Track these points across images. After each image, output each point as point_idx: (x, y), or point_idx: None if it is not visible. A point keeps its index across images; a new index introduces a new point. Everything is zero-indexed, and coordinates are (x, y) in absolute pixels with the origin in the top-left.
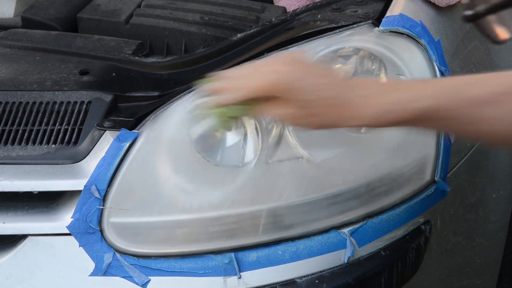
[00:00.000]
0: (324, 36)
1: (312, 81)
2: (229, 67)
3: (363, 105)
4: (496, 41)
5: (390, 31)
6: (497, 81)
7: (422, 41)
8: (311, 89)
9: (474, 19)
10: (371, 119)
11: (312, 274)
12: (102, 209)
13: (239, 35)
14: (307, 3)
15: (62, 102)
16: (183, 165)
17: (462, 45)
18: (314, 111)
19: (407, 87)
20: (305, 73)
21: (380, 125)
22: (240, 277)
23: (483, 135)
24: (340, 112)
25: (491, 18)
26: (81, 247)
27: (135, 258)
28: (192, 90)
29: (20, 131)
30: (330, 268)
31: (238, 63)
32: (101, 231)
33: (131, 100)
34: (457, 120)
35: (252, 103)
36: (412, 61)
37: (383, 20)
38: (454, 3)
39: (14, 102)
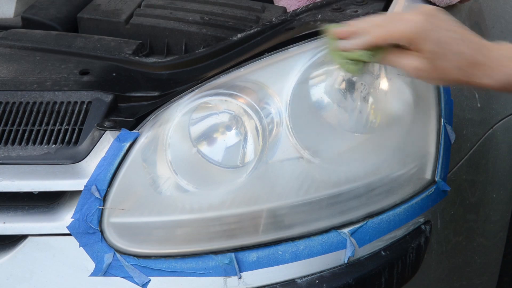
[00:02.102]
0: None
1: (445, 34)
2: (229, 67)
3: (496, 66)
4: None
5: None
6: None
7: None
8: (443, 42)
9: None
10: (502, 82)
11: (312, 274)
12: (102, 209)
13: (239, 35)
14: (307, 3)
15: (62, 102)
16: (183, 165)
17: None
18: (442, 65)
19: None
20: (438, 26)
21: (505, 87)
22: (240, 277)
23: None
24: (470, 70)
25: None
26: (81, 247)
27: (135, 258)
28: (192, 90)
29: (20, 131)
30: (330, 268)
31: (238, 63)
32: (101, 231)
33: (131, 100)
34: None
35: (379, 50)
36: None
37: None
38: (454, 3)
39: (14, 102)
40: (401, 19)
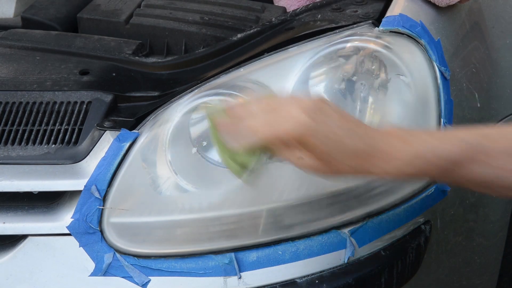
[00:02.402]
0: (324, 36)
1: (331, 130)
2: (229, 67)
3: (387, 157)
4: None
5: (390, 31)
6: None
7: (422, 41)
8: (330, 139)
9: None
10: (394, 171)
11: (312, 274)
12: (102, 209)
13: (239, 35)
14: (307, 3)
15: (62, 102)
16: (183, 165)
17: (462, 45)
18: (333, 162)
19: (427, 139)
20: (323, 122)
21: (404, 176)
22: (240, 277)
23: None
24: (362, 163)
25: None
26: (81, 247)
27: (135, 258)
28: (192, 90)
29: (20, 131)
30: (330, 268)
31: (238, 63)
32: (101, 231)
33: (131, 100)
34: (481, 170)
35: (264, 149)
36: (412, 61)
37: (383, 20)
38: (454, 3)
39: (14, 102)
40: (285, 115)
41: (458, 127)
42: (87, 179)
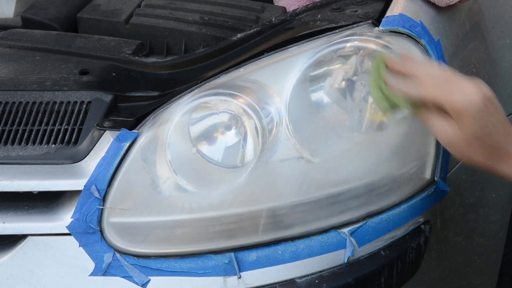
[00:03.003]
0: (324, 36)
1: (493, 123)
2: (229, 67)
3: None
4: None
5: (390, 31)
6: None
7: (422, 41)
8: (488, 130)
9: None
10: None
11: (312, 274)
12: (102, 209)
13: (239, 35)
14: (307, 3)
15: (62, 102)
16: (183, 165)
17: (462, 45)
18: (475, 148)
19: None
20: (490, 114)
21: None
22: (240, 277)
23: None
24: (501, 162)
25: None
26: (81, 247)
27: (135, 258)
28: (192, 90)
29: (20, 131)
30: (330, 268)
31: (238, 63)
32: (101, 231)
33: (131, 100)
34: None
35: (424, 106)
36: None
37: (383, 20)
38: (454, 3)
39: (14, 102)
40: (462, 88)
41: None
42: (87, 179)
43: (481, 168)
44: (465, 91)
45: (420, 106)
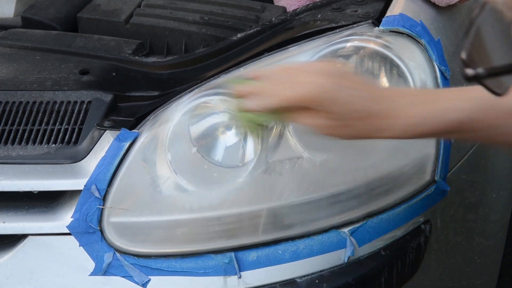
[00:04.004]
0: (324, 36)
1: (345, 93)
2: (229, 67)
3: (394, 117)
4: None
5: (390, 31)
6: None
7: (422, 41)
8: (344, 102)
9: (476, 79)
10: (401, 131)
11: (312, 273)
12: (102, 208)
13: (239, 35)
14: (307, 3)
15: (62, 102)
16: (183, 165)
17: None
18: (346, 123)
19: (437, 98)
20: (338, 86)
21: (411, 136)
22: (240, 277)
23: None
24: (372, 124)
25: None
26: (81, 247)
27: (135, 257)
28: (192, 90)
29: (20, 131)
30: (330, 268)
31: (238, 63)
32: (101, 231)
33: (131, 100)
34: (491, 130)
35: (283, 112)
36: (412, 60)
37: (383, 19)
38: (454, 3)
39: (14, 102)
40: (306, 80)
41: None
42: (87, 178)
43: (375, 138)
44: (307, 81)
45: (282, 112)
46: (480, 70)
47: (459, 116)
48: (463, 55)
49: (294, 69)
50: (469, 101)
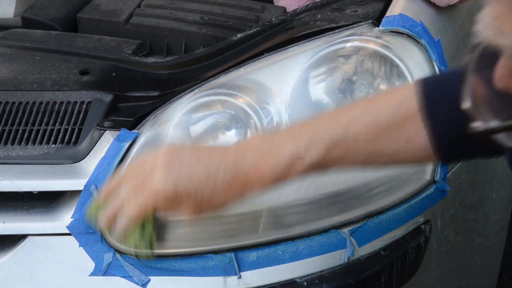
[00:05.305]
0: (324, 36)
1: (194, 177)
2: (229, 67)
3: (254, 173)
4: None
5: (390, 31)
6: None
7: (422, 41)
8: (195, 188)
9: (486, 135)
10: (270, 181)
11: (312, 274)
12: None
13: (239, 35)
14: (307, 3)
15: (62, 102)
16: None
17: (462, 45)
18: (212, 199)
19: (281, 140)
20: (180, 175)
21: (285, 180)
22: (240, 277)
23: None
24: (239, 189)
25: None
26: (81, 247)
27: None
28: (192, 90)
29: (20, 131)
30: (330, 268)
31: (238, 63)
32: (101, 231)
33: (131, 100)
34: (353, 159)
35: (148, 220)
36: (412, 61)
37: (383, 20)
38: (454, 3)
39: (14, 102)
40: (148, 188)
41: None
42: (87, 179)
43: (245, 197)
44: (149, 189)
45: (152, 222)
46: (494, 123)
47: (318, 153)
48: (467, 104)
49: (139, 174)
50: (317, 140)
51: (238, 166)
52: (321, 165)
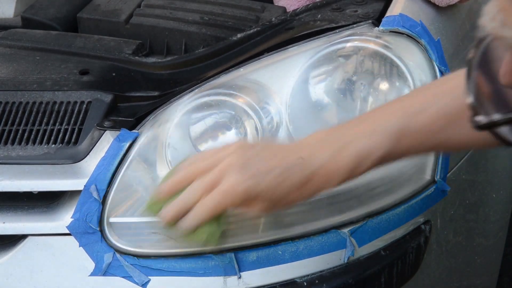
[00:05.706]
0: (324, 36)
1: (266, 178)
2: (229, 67)
3: (327, 171)
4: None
5: (390, 31)
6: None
7: (422, 41)
8: (271, 187)
9: (489, 128)
10: (344, 177)
11: (312, 274)
12: (102, 209)
13: (239, 35)
14: (307, 3)
15: (62, 102)
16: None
17: (462, 45)
18: (284, 199)
19: (350, 135)
20: (254, 175)
21: (357, 175)
22: (240, 277)
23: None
24: (310, 188)
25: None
26: (81, 247)
27: (135, 258)
28: (192, 90)
29: (20, 131)
30: (330, 268)
31: (238, 63)
32: (101, 231)
33: (131, 100)
34: (419, 148)
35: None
36: (412, 61)
37: (383, 20)
38: (454, 3)
39: (14, 102)
40: (225, 187)
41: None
42: (87, 179)
43: (318, 195)
44: (226, 188)
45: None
46: (496, 116)
47: (388, 145)
48: (470, 100)
49: (209, 175)
50: (384, 132)
51: (311, 164)
52: (388, 158)
